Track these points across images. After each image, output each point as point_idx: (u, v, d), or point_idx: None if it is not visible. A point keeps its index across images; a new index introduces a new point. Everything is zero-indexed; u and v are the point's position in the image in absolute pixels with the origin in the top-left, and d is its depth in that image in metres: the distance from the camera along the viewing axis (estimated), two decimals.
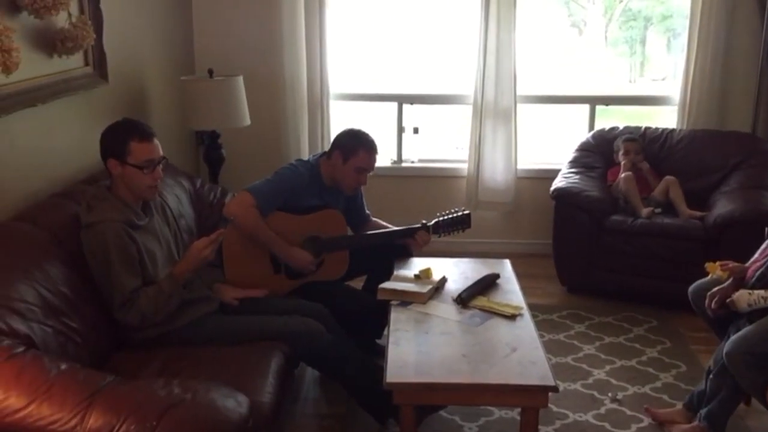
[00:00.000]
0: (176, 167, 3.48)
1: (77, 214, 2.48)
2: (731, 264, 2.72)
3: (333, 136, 3.13)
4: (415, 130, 4.84)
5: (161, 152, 2.55)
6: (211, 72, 4.04)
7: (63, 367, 1.92)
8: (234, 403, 1.96)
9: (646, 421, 2.89)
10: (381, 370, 2.36)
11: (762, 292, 2.55)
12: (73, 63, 2.95)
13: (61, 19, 2.75)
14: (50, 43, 2.73)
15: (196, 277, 2.64)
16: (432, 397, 2.38)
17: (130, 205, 2.50)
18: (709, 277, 2.77)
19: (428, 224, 3.17)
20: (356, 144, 3.08)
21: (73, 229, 2.45)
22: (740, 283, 2.68)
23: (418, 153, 4.98)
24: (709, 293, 2.73)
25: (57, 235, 2.43)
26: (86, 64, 3.10)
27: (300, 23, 4.43)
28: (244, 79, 4.09)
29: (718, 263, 2.74)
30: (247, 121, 4.10)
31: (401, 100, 4.82)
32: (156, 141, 2.54)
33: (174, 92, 4.09)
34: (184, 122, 4.09)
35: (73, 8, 2.86)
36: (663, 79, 5.93)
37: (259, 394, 2.25)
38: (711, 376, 2.70)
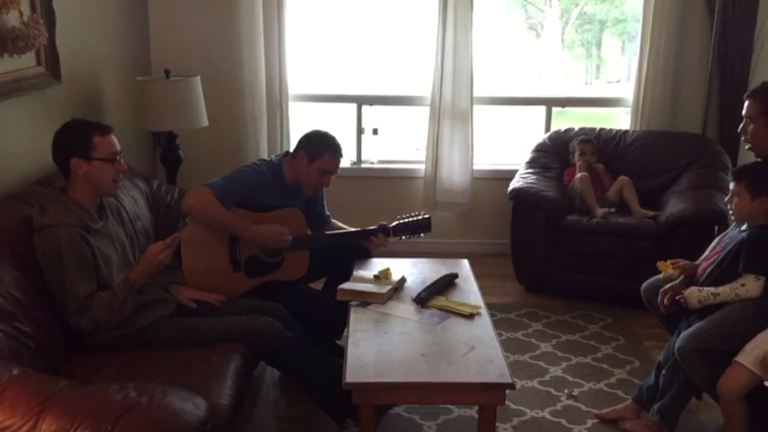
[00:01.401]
0: (132, 168, 3.43)
1: (30, 217, 2.43)
2: (682, 262, 2.79)
3: (292, 138, 3.13)
4: (375, 131, 4.86)
5: (119, 145, 2.55)
6: (167, 72, 3.99)
7: (15, 372, 1.88)
8: (191, 406, 1.95)
9: None
10: (340, 370, 2.36)
11: (711, 288, 2.62)
12: (25, 62, 2.89)
13: (12, 18, 2.69)
14: (1, 42, 2.67)
15: (152, 279, 2.61)
16: (391, 397, 2.39)
17: (84, 207, 2.46)
18: (662, 275, 2.84)
19: (388, 227, 3.19)
20: (323, 146, 3.08)
21: (25, 232, 2.40)
22: (691, 280, 2.75)
23: (377, 154, 5.00)
24: (661, 290, 2.80)
25: (9, 238, 2.38)
26: (38, 63, 3.04)
27: (258, 23, 4.41)
28: (201, 79, 4.06)
29: (669, 262, 2.81)
30: (205, 122, 4.07)
31: (360, 101, 4.83)
32: (113, 135, 2.53)
33: (130, 93, 4.03)
34: (140, 123, 4.03)
35: (25, 7, 2.81)
36: (618, 82, 6.04)
37: (218, 397, 2.24)
38: (663, 371, 2.76)
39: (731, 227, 2.79)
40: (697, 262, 2.80)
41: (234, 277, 3.02)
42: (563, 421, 2.92)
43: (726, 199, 2.74)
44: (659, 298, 2.79)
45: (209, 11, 4.48)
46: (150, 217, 3.28)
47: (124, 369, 2.37)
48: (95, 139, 2.45)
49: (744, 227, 2.67)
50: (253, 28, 4.40)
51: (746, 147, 2.77)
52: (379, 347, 2.47)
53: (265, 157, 4.35)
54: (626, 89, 4.85)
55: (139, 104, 3.97)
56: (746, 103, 2.69)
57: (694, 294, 2.65)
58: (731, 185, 2.69)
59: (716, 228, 3.53)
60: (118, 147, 2.52)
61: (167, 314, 2.65)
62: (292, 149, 3.19)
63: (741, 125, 2.72)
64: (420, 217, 3.21)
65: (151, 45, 4.52)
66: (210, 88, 4.19)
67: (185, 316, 2.70)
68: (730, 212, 2.72)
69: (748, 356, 2.45)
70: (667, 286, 2.79)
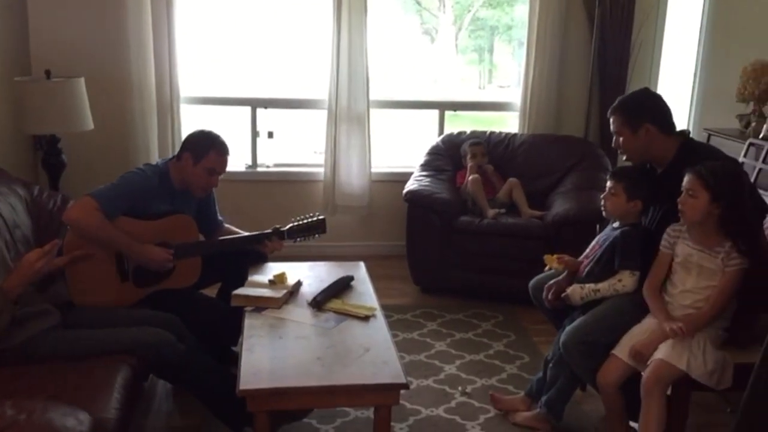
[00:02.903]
0: (9, 174, 3.25)
1: None
2: (566, 257, 2.93)
3: None
4: (270, 135, 4.82)
5: None
6: (48, 73, 3.82)
7: None
8: (74, 422, 1.87)
9: (493, 411, 3.03)
10: (235, 378, 2.33)
11: (592, 285, 2.76)
12: None
13: None
14: None
15: (33, 290, 2.48)
16: (286, 402, 2.37)
17: None
18: (546, 268, 2.96)
19: (282, 229, 3.17)
20: (207, 145, 3.02)
21: None
22: (573, 276, 2.89)
23: (273, 158, 4.95)
24: (546, 286, 2.92)
25: None
26: None
27: (147, 22, 4.28)
28: (86, 80, 3.90)
29: (555, 256, 2.93)
30: (90, 125, 3.91)
31: (255, 104, 4.79)
32: None
33: (7, 94, 3.83)
34: (19, 126, 3.83)
35: None
36: (509, 86, 6.25)
37: (104, 411, 2.15)
38: (550, 365, 2.89)
39: (608, 226, 2.94)
40: (579, 259, 2.93)
41: (122, 288, 2.91)
42: (457, 418, 2.99)
43: (602, 196, 2.87)
44: (544, 293, 2.91)
45: (94, 8, 4.29)
46: (30, 224, 3.11)
47: (1, 385, 2.24)
48: None
49: (616, 225, 2.83)
50: (141, 27, 4.27)
51: (623, 159, 2.93)
52: (274, 353, 2.44)
53: (155, 161, 4.23)
54: (516, 94, 5.03)
55: (18, 106, 3.77)
56: (611, 120, 2.85)
57: (577, 291, 2.78)
58: (609, 183, 2.83)
59: (597, 227, 3.71)
60: None
61: (51, 326, 2.52)
62: None
63: (613, 141, 2.87)
64: (314, 219, 3.20)
65: (30, 44, 4.28)
66: (95, 89, 4.04)
67: (70, 328, 2.58)
68: (602, 209, 2.86)
69: (623, 349, 2.60)
70: (551, 282, 2.91)
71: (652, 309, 2.62)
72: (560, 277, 2.91)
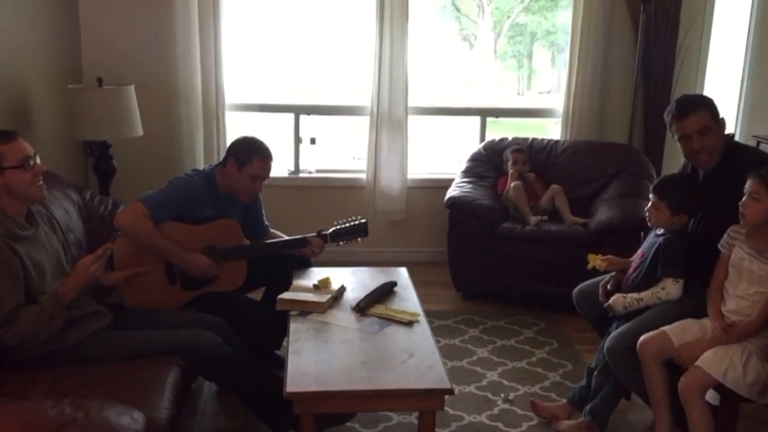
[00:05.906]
0: (63, 179, 3.35)
1: None
2: (611, 257, 2.91)
3: None
4: (312, 141, 4.87)
5: (30, 148, 2.45)
6: (100, 81, 3.92)
7: None
8: (129, 421, 1.92)
9: (536, 419, 3.02)
10: (280, 381, 2.36)
11: (635, 294, 2.74)
12: None
13: None
14: None
15: (86, 293, 2.55)
16: (332, 406, 2.40)
17: (11, 215, 2.38)
18: (589, 266, 2.94)
19: (325, 233, 3.20)
20: (250, 152, 3.08)
21: None
22: (623, 275, 2.86)
23: (315, 163, 5.01)
24: (600, 284, 2.89)
25: None
26: None
27: (194, 31, 4.37)
28: (135, 88, 3.99)
29: (599, 255, 2.92)
30: (140, 132, 4.01)
31: (298, 110, 4.85)
32: (20, 138, 2.43)
33: (60, 101, 3.93)
34: (71, 132, 3.93)
35: None
36: (548, 92, 6.21)
37: (156, 410, 2.21)
38: (595, 373, 2.86)
39: (652, 233, 2.91)
40: (629, 260, 2.91)
41: (170, 291, 2.97)
42: (500, 425, 2.98)
43: (645, 208, 2.85)
44: (600, 290, 2.88)
45: (143, 18, 4.41)
46: (83, 228, 3.20)
47: (56, 384, 2.30)
48: (1, 148, 2.36)
49: (660, 232, 2.80)
50: (188, 36, 4.36)
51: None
52: (319, 356, 2.47)
53: (201, 167, 4.31)
54: (556, 100, 5.00)
55: (70, 113, 3.87)
56: (689, 119, 2.68)
57: (619, 301, 2.76)
58: (652, 197, 2.80)
59: (642, 234, 3.67)
60: (29, 150, 2.42)
61: (103, 328, 2.59)
62: None
63: (694, 142, 2.68)
64: (357, 222, 3.23)
65: (82, 53, 4.41)
66: (144, 96, 4.13)
67: (121, 329, 2.65)
68: (648, 220, 2.83)
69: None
70: (607, 276, 2.90)
71: (708, 310, 2.60)
72: (613, 273, 2.88)
